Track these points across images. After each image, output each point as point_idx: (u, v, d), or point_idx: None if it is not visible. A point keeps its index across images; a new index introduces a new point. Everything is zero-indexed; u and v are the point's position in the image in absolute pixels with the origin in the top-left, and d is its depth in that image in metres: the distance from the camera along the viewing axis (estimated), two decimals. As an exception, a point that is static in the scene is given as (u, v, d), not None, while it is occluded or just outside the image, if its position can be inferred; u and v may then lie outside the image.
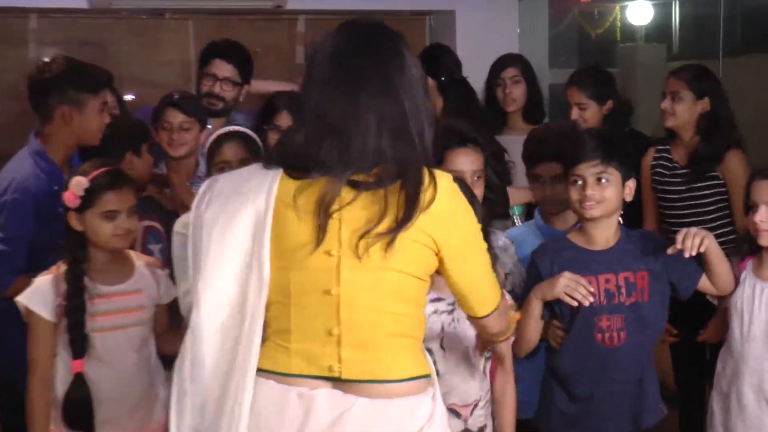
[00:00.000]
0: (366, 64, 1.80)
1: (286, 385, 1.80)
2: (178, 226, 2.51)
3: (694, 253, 2.44)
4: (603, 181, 2.53)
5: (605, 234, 2.59)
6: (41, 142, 3.06)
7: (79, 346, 2.45)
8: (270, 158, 1.87)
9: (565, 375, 2.60)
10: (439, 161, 2.55)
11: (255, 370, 1.78)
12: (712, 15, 5.27)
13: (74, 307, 2.45)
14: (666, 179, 3.57)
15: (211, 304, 1.79)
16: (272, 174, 1.81)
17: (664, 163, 3.59)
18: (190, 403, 1.80)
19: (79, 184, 2.49)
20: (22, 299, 2.47)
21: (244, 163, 2.59)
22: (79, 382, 2.45)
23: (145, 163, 3.18)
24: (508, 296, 2.30)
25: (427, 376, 1.88)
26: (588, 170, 2.53)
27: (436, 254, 1.82)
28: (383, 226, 1.74)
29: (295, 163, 1.79)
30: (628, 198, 2.60)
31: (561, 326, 2.58)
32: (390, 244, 1.75)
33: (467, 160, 2.69)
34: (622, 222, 2.67)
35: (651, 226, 3.64)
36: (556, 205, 2.92)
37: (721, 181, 3.39)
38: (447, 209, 1.80)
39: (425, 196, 1.76)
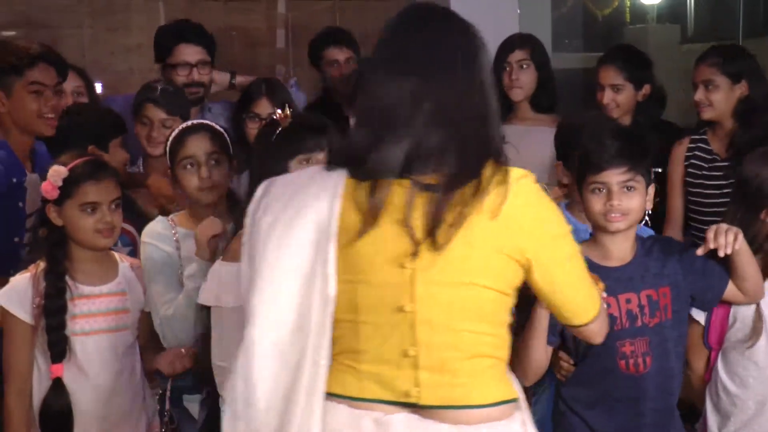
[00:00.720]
0: (436, 51, 1.72)
1: (358, 410, 1.71)
2: (146, 235, 2.57)
3: (729, 252, 2.27)
4: (631, 189, 2.33)
5: (623, 247, 2.40)
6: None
7: (59, 349, 2.39)
8: (332, 158, 1.77)
9: (584, 407, 2.39)
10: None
11: (323, 392, 1.69)
12: None
13: (54, 307, 2.39)
14: (704, 173, 3.38)
15: (268, 320, 1.68)
16: (335, 176, 1.70)
17: (701, 154, 3.42)
18: (244, 427, 1.69)
19: (57, 173, 2.41)
20: (0, 300, 2.42)
21: (210, 157, 2.58)
22: (57, 387, 2.39)
23: (115, 160, 2.98)
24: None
25: (514, 400, 1.78)
26: (614, 177, 2.31)
27: (522, 265, 1.72)
28: (455, 233, 1.65)
29: (360, 162, 1.68)
30: (649, 205, 2.41)
31: (567, 359, 2.38)
32: (465, 253, 1.66)
33: None
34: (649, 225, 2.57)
35: (676, 230, 3.48)
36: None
37: None
38: (524, 212, 1.70)
39: (493, 201, 1.67)
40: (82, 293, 2.44)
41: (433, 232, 1.64)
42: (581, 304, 1.84)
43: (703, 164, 3.39)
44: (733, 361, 2.55)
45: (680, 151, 3.44)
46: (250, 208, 1.76)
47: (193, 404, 2.49)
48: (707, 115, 3.32)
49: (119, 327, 2.48)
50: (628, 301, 2.35)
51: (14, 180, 2.80)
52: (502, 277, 1.71)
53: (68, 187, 2.41)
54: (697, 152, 3.42)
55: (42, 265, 2.44)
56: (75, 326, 2.41)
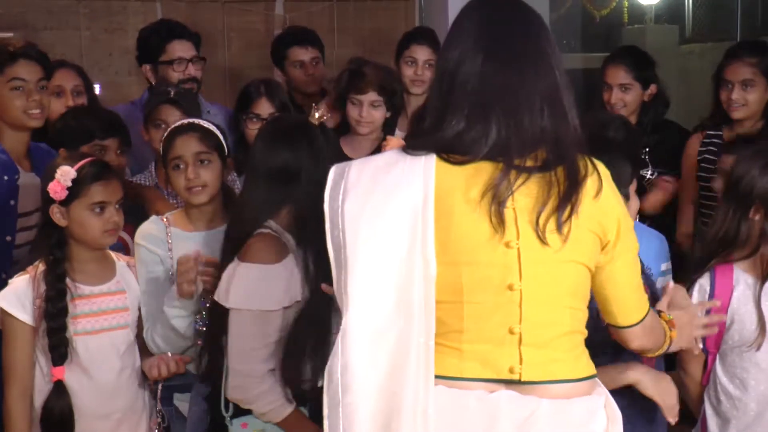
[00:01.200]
0: (522, 36, 1.75)
1: (459, 390, 1.72)
2: (139, 235, 2.53)
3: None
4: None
5: None
6: None
7: (60, 351, 2.38)
8: (416, 143, 1.75)
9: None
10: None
11: (433, 373, 1.69)
12: None
13: (55, 310, 2.38)
14: (716, 167, 3.32)
15: (365, 306, 1.67)
16: (424, 159, 1.70)
17: (714, 149, 3.41)
18: (343, 413, 1.68)
19: (65, 173, 2.39)
20: (0, 302, 2.41)
21: (198, 157, 2.54)
22: (59, 390, 2.38)
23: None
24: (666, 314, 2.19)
25: (595, 375, 1.83)
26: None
27: (602, 245, 1.77)
28: (559, 212, 1.69)
29: (453, 145, 1.69)
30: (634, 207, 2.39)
31: None
32: (567, 231, 1.69)
33: None
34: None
35: (687, 227, 3.51)
36: None
37: None
38: (612, 200, 1.77)
39: (593, 182, 1.72)
40: (83, 293, 2.43)
41: (558, 213, 1.67)
42: (634, 304, 1.86)
43: (715, 158, 3.34)
44: (732, 363, 2.53)
45: (693, 146, 3.45)
46: (326, 194, 1.73)
47: (183, 403, 2.48)
48: (740, 114, 3.31)
49: (120, 325, 2.48)
50: None
51: (5, 178, 2.79)
52: (593, 254, 1.76)
53: (77, 188, 2.40)
54: (711, 147, 3.40)
55: (41, 266, 2.43)
56: (77, 326, 2.40)
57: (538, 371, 1.73)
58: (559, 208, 1.68)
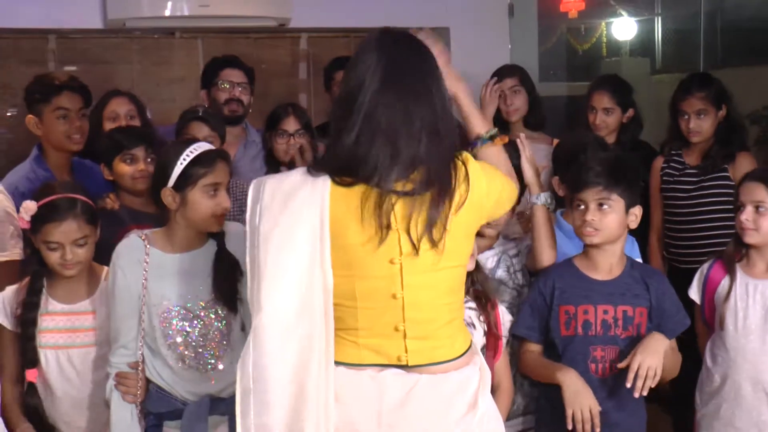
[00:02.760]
0: (412, 72, 1.85)
1: (356, 370, 1.89)
2: (116, 255, 2.35)
3: (644, 394, 2.37)
4: (604, 207, 2.44)
5: (608, 261, 2.53)
6: (40, 151, 3.17)
7: (28, 357, 2.42)
8: (317, 164, 1.89)
9: (561, 403, 2.41)
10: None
11: (333, 362, 1.85)
12: (693, 30, 5.26)
13: (25, 320, 2.42)
14: (675, 178, 3.55)
15: (273, 308, 1.82)
16: (321, 182, 1.84)
17: (675, 165, 3.59)
18: (253, 400, 1.82)
19: (26, 209, 2.42)
20: None
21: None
22: (31, 391, 2.43)
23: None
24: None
25: (471, 345, 2.00)
26: (590, 196, 2.44)
27: (487, 219, 1.97)
28: (430, 231, 1.83)
29: (344, 168, 1.83)
30: (633, 225, 2.52)
31: None
32: (442, 245, 1.84)
33: None
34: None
35: (656, 234, 3.64)
36: None
37: (731, 182, 3.34)
38: (482, 191, 1.90)
39: (460, 192, 1.85)
40: (53, 310, 2.45)
41: (430, 232, 1.83)
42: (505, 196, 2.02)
43: (675, 173, 3.55)
44: (714, 339, 2.74)
45: (657, 164, 3.61)
46: (247, 213, 1.87)
47: (174, 430, 2.34)
48: (697, 138, 3.49)
49: (84, 344, 2.45)
50: (605, 312, 2.48)
51: None
52: (465, 253, 1.95)
53: (35, 224, 2.42)
54: (672, 163, 3.57)
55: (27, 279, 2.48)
56: (41, 339, 2.44)
57: (422, 357, 1.91)
58: (430, 228, 1.82)
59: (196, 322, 2.32)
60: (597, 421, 2.35)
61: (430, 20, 4.91)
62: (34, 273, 2.46)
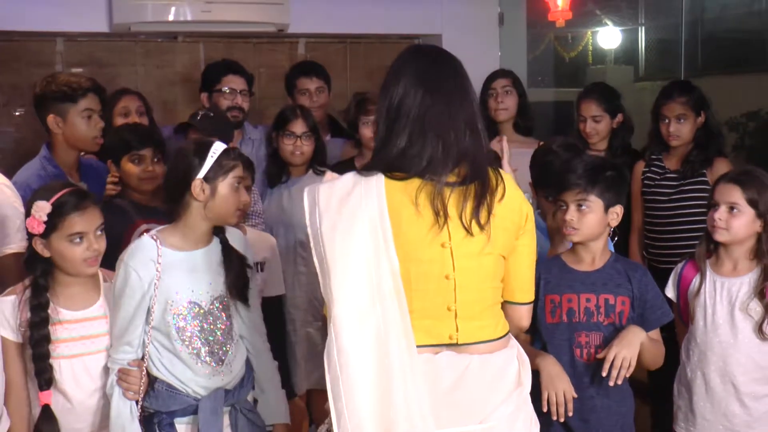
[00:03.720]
0: (449, 77, 2.02)
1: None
2: (129, 257, 2.32)
3: (619, 383, 2.45)
4: (583, 207, 2.52)
5: (591, 255, 2.61)
6: (50, 150, 3.19)
7: (46, 377, 2.31)
8: (367, 167, 2.02)
9: (537, 386, 2.44)
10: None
11: (414, 343, 1.94)
12: (675, 39, 5.30)
13: (39, 336, 2.30)
14: (656, 182, 3.62)
15: (345, 299, 1.92)
16: (374, 180, 1.98)
17: (655, 169, 3.66)
18: (343, 386, 1.90)
19: (40, 208, 2.28)
20: None
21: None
22: (47, 415, 2.32)
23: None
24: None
25: (508, 332, 2.14)
26: (570, 197, 2.53)
27: (516, 238, 2.07)
28: (477, 216, 1.98)
29: (397, 166, 1.98)
30: (614, 223, 2.59)
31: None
32: (488, 230, 1.99)
33: None
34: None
35: (636, 235, 3.72)
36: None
37: (709, 187, 3.28)
38: (517, 200, 2.07)
39: (500, 190, 2.03)
40: (64, 318, 2.35)
41: (478, 217, 1.98)
42: (529, 284, 2.16)
43: (656, 176, 3.61)
44: (688, 335, 2.79)
45: (639, 168, 3.67)
46: (306, 218, 1.99)
47: (186, 425, 2.36)
48: (676, 142, 3.56)
49: (99, 349, 2.39)
50: (587, 300, 2.55)
51: None
52: (508, 244, 2.08)
53: (53, 220, 2.29)
54: (652, 167, 3.65)
55: (27, 285, 2.35)
56: (55, 350, 2.33)
57: (470, 335, 2.04)
58: (478, 213, 1.97)
59: (210, 318, 2.35)
60: (570, 405, 2.43)
61: (423, 28, 5.14)
62: (37, 286, 2.33)
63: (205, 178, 2.33)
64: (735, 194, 2.68)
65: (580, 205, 2.52)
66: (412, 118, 1.98)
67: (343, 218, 1.95)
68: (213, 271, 2.37)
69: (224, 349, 2.37)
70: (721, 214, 2.70)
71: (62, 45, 4.70)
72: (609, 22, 6.35)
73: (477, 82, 4.22)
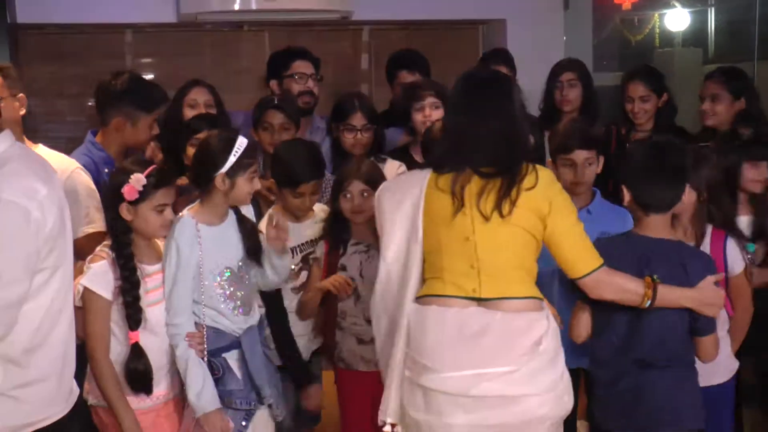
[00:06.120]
0: (491, 97, 2.40)
1: (443, 306, 2.35)
2: (179, 236, 2.57)
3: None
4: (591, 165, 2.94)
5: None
6: (96, 138, 3.22)
7: (136, 318, 2.54)
8: (422, 165, 2.61)
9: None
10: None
11: (413, 299, 2.42)
12: (747, 19, 5.22)
13: (130, 285, 2.54)
14: None
15: (392, 253, 2.44)
16: (424, 172, 2.45)
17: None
18: (374, 325, 2.53)
19: (139, 181, 2.54)
20: (86, 283, 2.53)
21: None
22: (137, 351, 2.55)
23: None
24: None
25: (540, 298, 2.38)
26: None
27: (542, 220, 2.33)
28: (498, 204, 2.31)
29: (441, 164, 2.41)
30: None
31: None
32: (507, 212, 2.30)
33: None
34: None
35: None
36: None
37: None
38: (543, 190, 2.33)
39: (530, 180, 2.32)
40: (147, 272, 2.60)
41: (500, 204, 2.30)
42: (579, 259, 2.35)
43: None
44: None
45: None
46: (375, 198, 2.54)
47: (231, 358, 2.64)
48: (709, 122, 3.64)
49: (160, 300, 2.61)
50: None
51: (106, 170, 3.06)
52: (533, 224, 2.33)
53: (146, 191, 2.54)
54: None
55: (106, 251, 2.57)
56: (146, 299, 2.56)
57: (492, 290, 2.33)
58: (498, 201, 2.29)
59: (239, 278, 2.70)
60: None
61: (487, 12, 5.08)
62: (119, 243, 2.57)
63: (227, 173, 2.59)
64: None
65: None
66: (454, 128, 2.44)
67: (395, 197, 2.45)
68: (236, 239, 2.70)
69: (249, 299, 2.74)
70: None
71: (131, 36, 4.76)
72: (677, 4, 6.25)
73: (541, 67, 4.20)
